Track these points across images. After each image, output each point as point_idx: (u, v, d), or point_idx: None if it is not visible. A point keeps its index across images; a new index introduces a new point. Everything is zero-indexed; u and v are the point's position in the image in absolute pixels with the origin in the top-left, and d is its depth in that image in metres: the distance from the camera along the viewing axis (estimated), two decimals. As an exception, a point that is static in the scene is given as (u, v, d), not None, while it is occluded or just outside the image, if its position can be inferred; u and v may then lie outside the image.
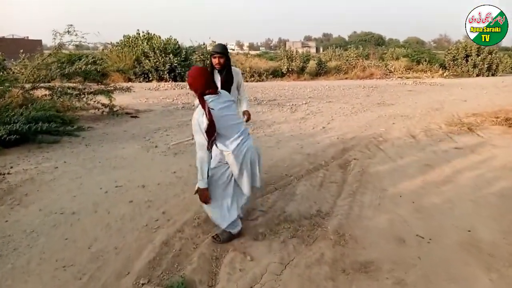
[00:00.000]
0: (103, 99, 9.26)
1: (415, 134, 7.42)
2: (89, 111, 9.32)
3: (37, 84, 8.45)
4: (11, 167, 5.36)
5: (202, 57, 20.71)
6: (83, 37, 7.90)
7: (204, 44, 21.84)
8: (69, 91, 8.58)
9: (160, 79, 19.41)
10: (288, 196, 4.32)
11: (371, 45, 47.72)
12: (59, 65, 8.19)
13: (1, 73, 9.05)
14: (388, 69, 22.48)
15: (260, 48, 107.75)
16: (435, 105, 11.07)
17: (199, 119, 2.88)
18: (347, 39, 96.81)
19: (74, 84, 8.98)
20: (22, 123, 6.12)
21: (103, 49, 22.04)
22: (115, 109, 9.63)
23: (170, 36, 20.64)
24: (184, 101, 11.78)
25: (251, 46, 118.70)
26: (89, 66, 8.11)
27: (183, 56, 19.81)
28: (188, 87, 3.74)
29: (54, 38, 7.89)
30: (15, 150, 6.16)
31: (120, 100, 10.49)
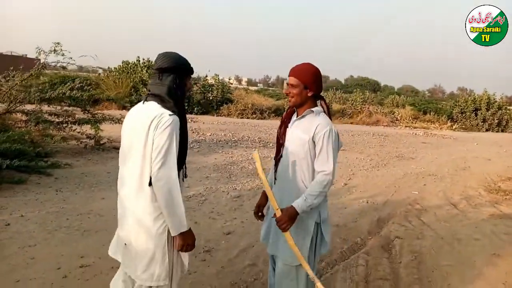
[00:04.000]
0: (89, 130, 8.00)
1: (455, 202, 6.21)
2: (71, 143, 7.99)
3: (12, 108, 7.21)
4: None
5: (202, 89, 19.73)
6: (71, 58, 6.76)
7: (206, 76, 20.89)
8: (48, 118, 7.32)
9: (157, 109, 18.23)
10: (326, 302, 3.00)
11: (368, 90, 47.46)
12: (39, 88, 6.95)
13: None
14: (395, 117, 21.62)
15: (258, 85, 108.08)
16: (460, 163, 9.96)
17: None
18: (343, 82, 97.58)
19: (57, 108, 7.67)
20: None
21: (98, 74, 20.97)
22: (102, 142, 8.36)
23: (171, 65, 19.65)
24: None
25: (250, 82, 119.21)
26: (74, 91, 6.88)
27: (182, 87, 18.73)
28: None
29: (37, 57, 6.71)
30: (-38, 192, 4.81)
31: (110, 130, 9.18)
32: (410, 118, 21.94)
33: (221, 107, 19.25)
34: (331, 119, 2.35)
